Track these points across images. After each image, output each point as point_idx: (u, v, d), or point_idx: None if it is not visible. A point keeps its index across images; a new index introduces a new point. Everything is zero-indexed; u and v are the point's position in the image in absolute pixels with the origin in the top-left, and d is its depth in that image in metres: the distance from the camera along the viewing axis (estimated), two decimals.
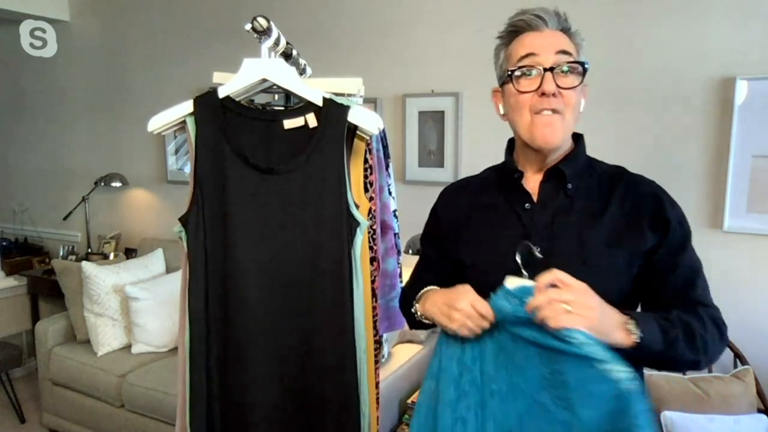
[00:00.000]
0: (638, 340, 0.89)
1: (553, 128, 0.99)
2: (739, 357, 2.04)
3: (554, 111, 0.99)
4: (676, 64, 2.14)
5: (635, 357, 0.90)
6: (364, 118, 1.17)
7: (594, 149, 2.37)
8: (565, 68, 0.99)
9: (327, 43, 2.87)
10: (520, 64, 1.00)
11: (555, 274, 0.88)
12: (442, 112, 2.62)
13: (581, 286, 0.88)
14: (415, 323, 1.14)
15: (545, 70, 0.98)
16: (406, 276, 1.37)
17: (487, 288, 0.99)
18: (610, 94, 2.25)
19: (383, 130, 1.28)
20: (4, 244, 3.97)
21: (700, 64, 2.10)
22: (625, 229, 1.01)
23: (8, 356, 3.10)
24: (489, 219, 1.09)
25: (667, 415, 1.86)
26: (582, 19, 2.40)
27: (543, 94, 0.98)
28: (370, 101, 2.72)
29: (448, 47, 2.57)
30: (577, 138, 1.10)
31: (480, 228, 1.10)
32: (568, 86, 0.99)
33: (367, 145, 1.25)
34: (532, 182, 1.08)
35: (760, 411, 1.91)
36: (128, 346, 2.87)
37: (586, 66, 1.01)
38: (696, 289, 1.04)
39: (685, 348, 0.94)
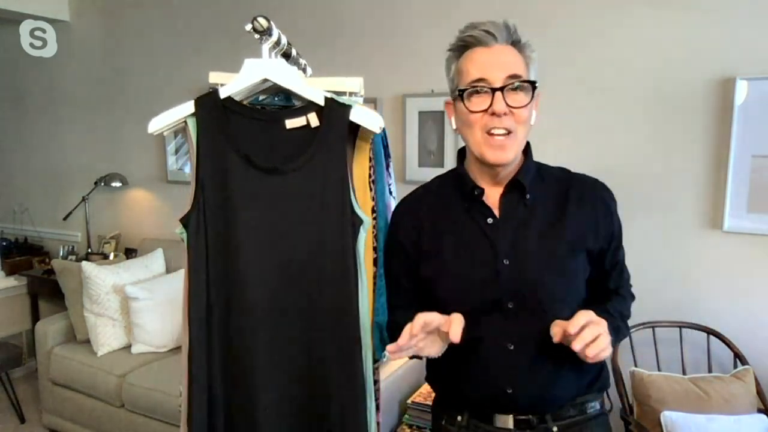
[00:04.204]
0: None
1: (504, 151, 1.03)
2: (739, 357, 2.04)
3: (506, 130, 1.02)
4: (676, 65, 2.14)
5: None
6: (365, 117, 1.17)
7: (594, 150, 2.39)
8: (515, 85, 1.02)
9: (327, 43, 2.87)
10: (471, 85, 1.03)
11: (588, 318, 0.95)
12: (442, 112, 2.62)
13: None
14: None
15: (494, 90, 1.01)
16: None
17: (461, 311, 1.02)
18: (610, 94, 2.25)
19: (384, 129, 1.29)
20: (4, 244, 3.97)
21: (700, 64, 2.10)
22: (583, 234, 1.09)
23: (8, 356, 3.10)
24: (455, 239, 1.12)
25: (667, 415, 1.87)
26: (581, 20, 2.41)
27: (494, 113, 1.01)
28: (370, 101, 2.72)
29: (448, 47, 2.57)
30: (526, 146, 1.13)
31: (449, 252, 1.11)
32: (518, 105, 1.02)
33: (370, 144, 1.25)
34: (490, 195, 1.11)
35: (760, 411, 1.91)
36: (128, 346, 2.87)
37: (536, 85, 1.04)
38: (624, 274, 1.19)
39: (623, 332, 1.12)
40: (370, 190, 1.25)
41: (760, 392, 1.96)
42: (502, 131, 1.02)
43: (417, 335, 0.96)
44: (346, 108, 1.17)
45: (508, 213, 1.10)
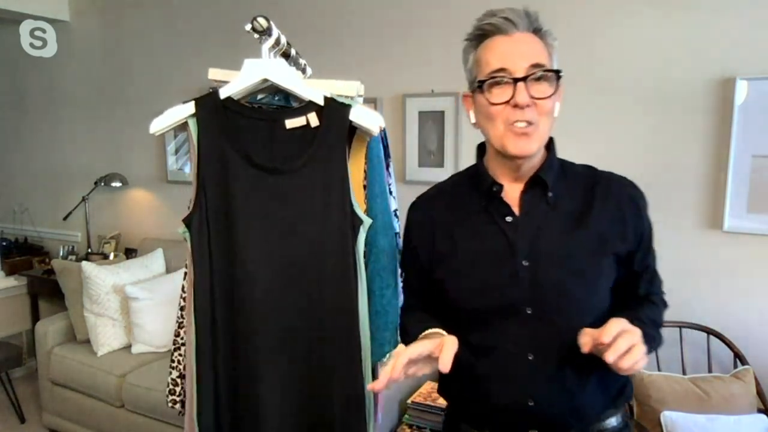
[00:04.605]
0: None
1: (528, 140, 0.97)
2: (739, 357, 2.04)
3: (528, 122, 0.96)
4: (676, 64, 2.14)
5: None
6: (365, 117, 1.17)
7: (594, 150, 2.39)
8: (538, 74, 0.96)
9: (327, 43, 2.87)
10: (491, 76, 0.97)
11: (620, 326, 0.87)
12: (442, 112, 2.62)
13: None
14: None
15: (517, 80, 0.95)
16: None
17: (475, 315, 1.00)
18: (610, 94, 2.25)
19: (384, 129, 1.29)
20: (4, 244, 3.97)
21: (700, 64, 2.10)
22: (610, 235, 1.02)
23: (8, 356, 3.10)
24: (471, 238, 1.05)
25: (667, 415, 1.86)
26: (581, 19, 2.40)
27: (516, 105, 0.95)
28: (370, 101, 2.72)
29: (448, 47, 2.57)
30: (549, 142, 1.07)
31: (463, 251, 1.05)
32: (541, 95, 0.96)
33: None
34: (510, 192, 1.05)
35: (760, 411, 1.91)
36: (128, 346, 2.87)
37: (560, 74, 0.99)
38: (656, 280, 1.13)
39: (657, 340, 1.04)
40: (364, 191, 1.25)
41: (760, 392, 1.96)
42: (525, 124, 0.96)
43: (398, 378, 0.89)
44: (346, 108, 1.17)
45: (528, 211, 1.03)
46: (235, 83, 1.21)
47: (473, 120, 1.06)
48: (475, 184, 1.09)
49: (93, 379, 2.72)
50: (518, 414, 1.03)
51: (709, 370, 2.09)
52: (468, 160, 2.84)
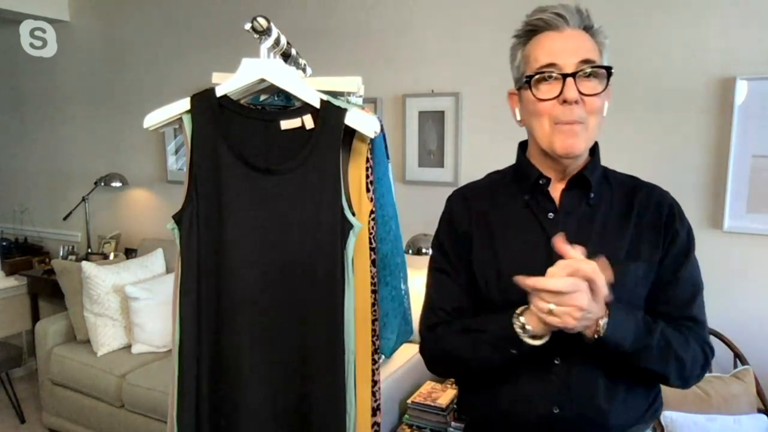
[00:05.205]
0: (600, 336, 0.90)
1: (576, 139, 0.95)
2: (739, 357, 2.04)
3: (576, 121, 0.94)
4: (676, 64, 2.13)
5: (601, 348, 0.92)
6: (361, 121, 1.17)
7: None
8: (588, 71, 0.94)
9: (327, 43, 2.87)
10: (540, 71, 0.95)
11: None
12: (442, 112, 2.62)
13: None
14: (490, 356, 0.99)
15: (566, 75, 0.93)
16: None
17: (504, 310, 0.95)
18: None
19: (383, 130, 1.28)
20: (4, 244, 3.97)
21: (700, 64, 2.10)
22: (644, 242, 1.00)
23: (8, 356, 3.10)
24: (509, 232, 1.03)
25: (667, 415, 1.86)
26: None
27: (565, 101, 0.93)
28: (370, 101, 2.72)
29: (448, 47, 2.57)
30: (593, 147, 1.05)
31: (500, 244, 1.03)
32: (591, 92, 0.94)
33: (368, 145, 1.25)
34: (552, 189, 1.03)
35: (760, 411, 1.91)
36: (128, 346, 2.87)
37: (611, 71, 0.97)
38: (693, 307, 1.08)
39: (654, 359, 0.96)
40: (368, 191, 1.25)
41: (760, 392, 1.96)
42: (573, 122, 0.94)
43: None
44: (342, 111, 1.16)
45: (569, 210, 1.01)
46: (231, 82, 1.21)
47: (518, 117, 1.04)
48: (517, 179, 1.07)
49: (93, 379, 2.71)
50: (542, 421, 0.99)
51: (709, 371, 2.09)
52: (468, 159, 2.84)
